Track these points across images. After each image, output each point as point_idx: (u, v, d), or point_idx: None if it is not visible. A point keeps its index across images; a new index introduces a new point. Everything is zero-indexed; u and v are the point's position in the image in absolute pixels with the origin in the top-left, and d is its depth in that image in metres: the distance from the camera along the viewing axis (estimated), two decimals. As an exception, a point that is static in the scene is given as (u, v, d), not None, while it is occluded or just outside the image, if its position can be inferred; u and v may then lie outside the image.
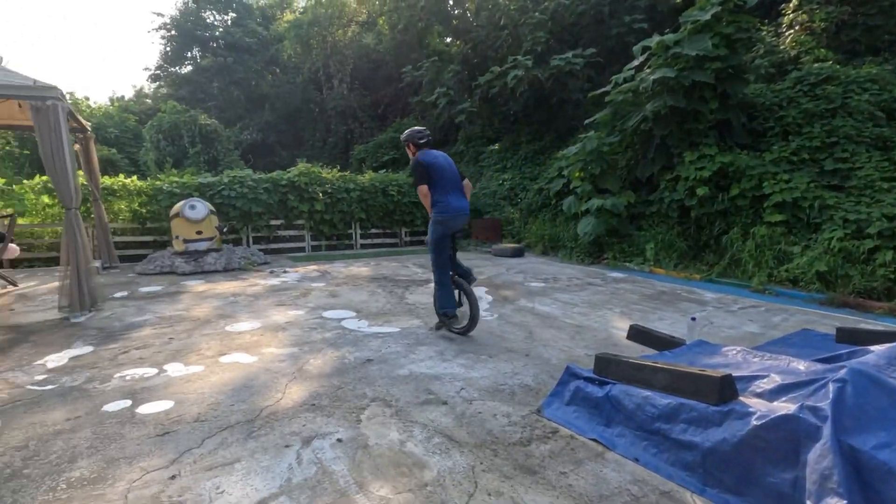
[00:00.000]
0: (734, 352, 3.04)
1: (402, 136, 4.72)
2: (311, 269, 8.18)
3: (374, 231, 11.53)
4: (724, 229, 7.86)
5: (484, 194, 13.65)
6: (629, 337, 4.11)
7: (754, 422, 2.02)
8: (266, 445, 2.50)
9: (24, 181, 9.18)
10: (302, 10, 25.10)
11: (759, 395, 2.22)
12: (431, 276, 4.67)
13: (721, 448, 2.10)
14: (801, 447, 1.86)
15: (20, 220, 8.07)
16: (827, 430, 1.80)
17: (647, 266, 8.23)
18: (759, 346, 3.64)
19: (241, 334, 4.42)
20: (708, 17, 8.07)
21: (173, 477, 2.23)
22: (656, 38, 8.62)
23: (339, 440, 2.55)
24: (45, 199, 8.71)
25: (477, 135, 16.43)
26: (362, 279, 7.20)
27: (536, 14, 12.85)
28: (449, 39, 19.65)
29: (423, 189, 4.42)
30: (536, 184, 12.40)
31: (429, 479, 2.22)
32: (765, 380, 2.27)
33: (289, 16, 25.66)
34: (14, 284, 6.61)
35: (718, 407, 2.19)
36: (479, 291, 6.33)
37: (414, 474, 2.25)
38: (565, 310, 5.34)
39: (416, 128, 4.72)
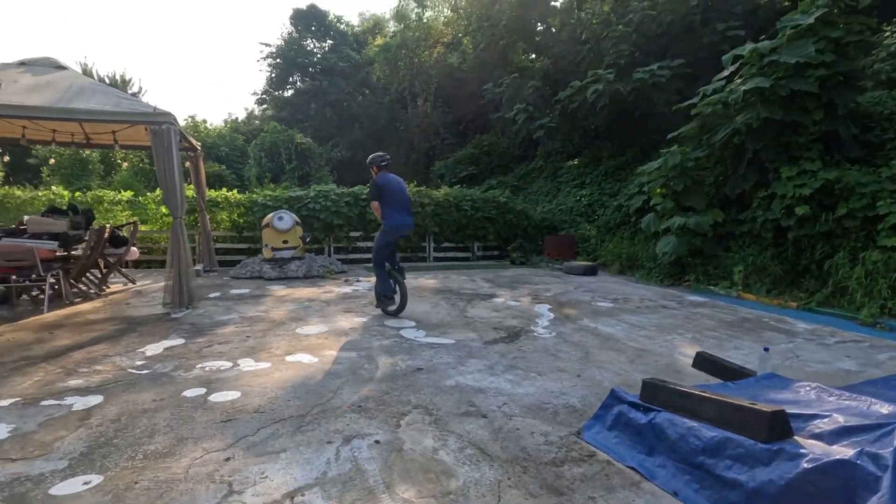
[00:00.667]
0: (808, 388, 2.76)
1: (368, 160, 5.79)
2: (383, 279, 8.55)
3: (446, 245, 11.76)
4: (828, 253, 7.03)
5: (560, 210, 13.41)
6: (694, 364, 3.85)
7: (805, 464, 1.83)
8: (310, 440, 2.69)
9: (148, 193, 10.61)
10: (392, 34, 26.53)
11: (816, 437, 2.00)
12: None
13: (767, 490, 1.92)
14: (857, 497, 1.66)
15: (142, 227, 9.34)
16: (887, 480, 1.59)
17: (734, 290, 7.58)
18: (849, 386, 3.23)
19: (308, 336, 4.76)
20: (811, 20, 7.37)
21: (227, 459, 2.48)
22: (749, 46, 8.02)
23: (377, 442, 2.68)
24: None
25: (556, 150, 16.22)
26: (428, 291, 7.40)
27: (620, 27, 12.50)
28: (533, 56, 19.70)
29: (375, 204, 5.58)
30: (616, 200, 11.96)
31: (454, 487, 2.26)
32: (826, 420, 2.04)
33: (379, 40, 27.24)
34: (133, 282, 7.65)
35: (767, 445, 2.01)
36: (540, 309, 6.24)
37: (440, 481, 2.30)
38: (630, 332, 5.10)
39: (378, 153, 5.81)
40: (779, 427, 2.03)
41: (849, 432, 1.91)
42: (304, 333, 4.88)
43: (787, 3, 11.14)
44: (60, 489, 2.21)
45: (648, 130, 12.45)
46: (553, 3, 17.54)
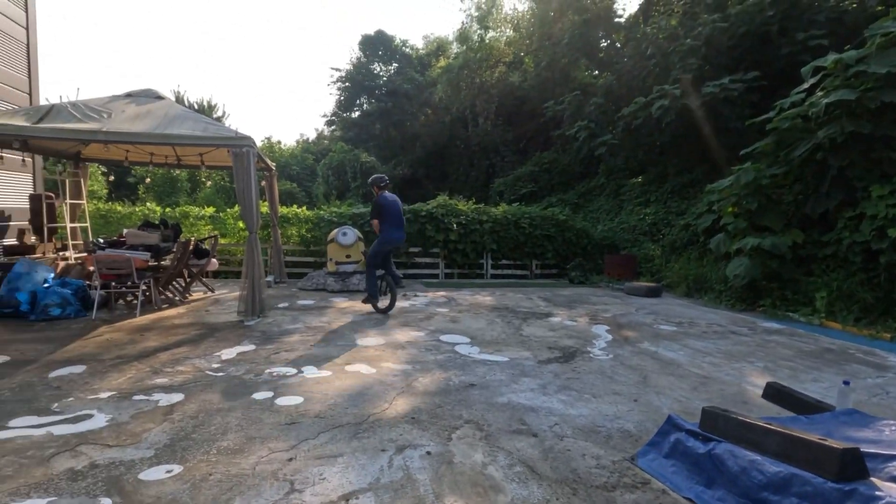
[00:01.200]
0: (893, 427, 2.53)
1: (369, 180, 6.93)
2: (440, 294, 8.70)
3: (504, 262, 11.76)
4: (929, 280, 6.35)
5: (622, 229, 13.02)
6: (765, 395, 3.62)
7: (881, 508, 1.70)
8: (366, 447, 2.82)
9: (227, 209, 11.51)
10: (454, 55, 27.21)
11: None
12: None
13: (837, 533, 1.80)
14: (940, 549, 1.52)
15: (222, 240, 10.13)
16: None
17: (816, 318, 7.01)
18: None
19: (367, 348, 4.96)
20: (905, 26, 6.81)
21: (290, 459, 2.66)
22: (832, 57, 7.51)
23: (428, 453, 2.76)
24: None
25: (619, 167, 15.81)
26: (484, 308, 7.44)
27: (688, 41, 12.09)
28: (595, 73, 19.48)
29: (375, 222, 6.64)
30: (683, 219, 11.45)
31: (501, 503, 2.29)
32: (908, 461, 1.88)
33: (442, 62, 28.02)
34: (212, 291, 8.30)
35: (839, 485, 1.88)
36: (598, 329, 6.10)
37: (488, 496, 2.34)
38: (694, 358, 4.86)
39: (379, 175, 6.94)
40: (852, 466, 1.89)
41: (934, 477, 1.75)
42: (363, 345, 5.09)
43: (879, 9, 10.32)
44: (147, 475, 2.47)
45: (719, 147, 11.86)
46: (617, 20, 17.31)
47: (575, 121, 15.94)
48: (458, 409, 3.42)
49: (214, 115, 26.86)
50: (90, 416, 3.17)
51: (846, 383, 3.20)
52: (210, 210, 11.67)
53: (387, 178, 6.94)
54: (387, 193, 6.67)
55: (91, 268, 6.64)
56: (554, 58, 17.85)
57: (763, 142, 8.74)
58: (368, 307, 6.96)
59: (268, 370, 4.18)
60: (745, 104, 11.01)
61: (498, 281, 11.23)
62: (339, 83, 30.11)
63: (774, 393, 3.56)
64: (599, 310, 7.53)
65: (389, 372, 4.21)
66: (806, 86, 8.22)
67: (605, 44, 17.83)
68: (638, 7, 18.42)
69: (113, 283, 6.42)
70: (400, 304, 7.64)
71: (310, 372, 4.15)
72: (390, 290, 6.73)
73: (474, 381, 4.02)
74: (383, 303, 6.85)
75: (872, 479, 1.88)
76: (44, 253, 7.61)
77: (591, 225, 13.59)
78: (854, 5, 11.47)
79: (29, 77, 8.33)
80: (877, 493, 1.75)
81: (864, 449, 2.13)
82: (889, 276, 6.84)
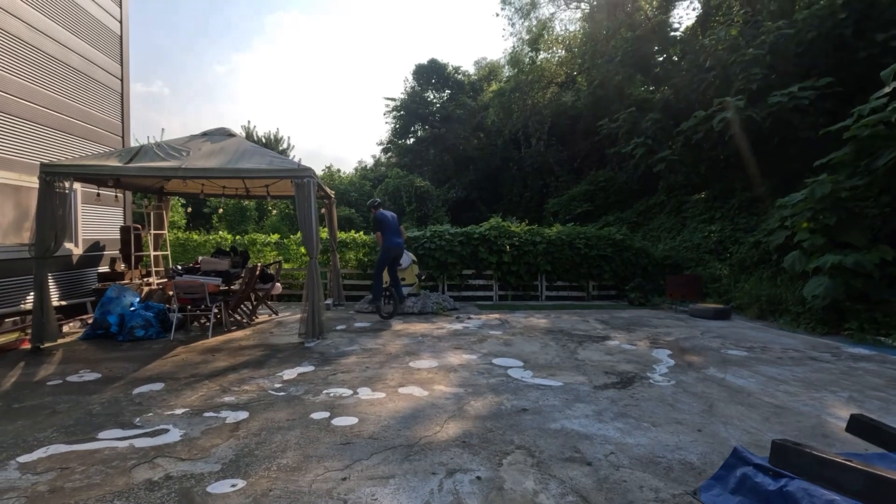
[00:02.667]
0: None
1: (368, 203, 8.63)
2: (494, 317, 8.66)
3: (559, 283, 11.52)
4: None
5: (684, 247, 12.43)
6: (848, 429, 3.31)
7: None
8: (417, 469, 2.85)
9: (291, 236, 12.16)
10: (506, 79, 27.53)
11: None
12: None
13: (933, 587, 1.61)
14: None
15: (285, 266, 10.68)
16: None
17: (913, 343, 6.31)
18: None
19: (420, 370, 5.02)
20: None
21: (344, 479, 2.74)
22: (916, 57, 6.91)
23: (479, 478, 2.75)
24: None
25: (679, 184, 15.19)
26: (538, 331, 7.32)
27: (750, 50, 11.56)
28: (651, 88, 19.00)
29: (378, 234, 8.05)
30: (752, 236, 10.77)
31: (552, 533, 2.23)
32: None
33: (494, 86, 28.41)
34: (276, 314, 8.74)
35: (932, 531, 1.68)
36: (658, 354, 5.82)
37: (539, 526, 2.29)
38: (766, 386, 4.52)
39: (373, 199, 9.29)
40: (947, 511, 1.70)
41: None
42: (416, 367, 5.16)
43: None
44: (214, 488, 2.64)
45: (789, 158, 11.15)
46: (672, 34, 16.88)
47: (631, 137, 15.55)
48: (509, 434, 3.38)
49: (280, 148, 28.62)
50: (166, 430, 3.43)
51: (946, 418, 2.87)
52: (275, 237, 12.37)
53: (379, 199, 8.71)
54: (383, 211, 8.23)
55: (170, 292, 7.23)
56: (607, 75, 17.61)
57: (840, 151, 8.13)
58: (422, 328, 7.06)
59: (325, 391, 4.34)
60: (818, 112, 10.32)
61: (553, 303, 11.01)
62: (394, 112, 31.25)
63: (860, 426, 3.25)
64: (661, 333, 7.19)
65: (441, 395, 4.24)
66: (888, 90, 7.60)
67: (661, 58, 17.38)
68: (695, 19, 17.90)
69: (188, 307, 6.94)
70: (453, 326, 7.69)
71: (364, 393, 4.27)
72: (392, 298, 8.34)
73: (527, 405, 3.96)
74: (386, 309, 8.33)
75: (974, 527, 1.67)
76: (131, 279, 8.39)
77: (651, 244, 13.07)
78: (942, 0, 10.54)
79: (122, 122, 9.35)
80: (978, 543, 1.56)
81: (965, 493, 1.91)
82: None
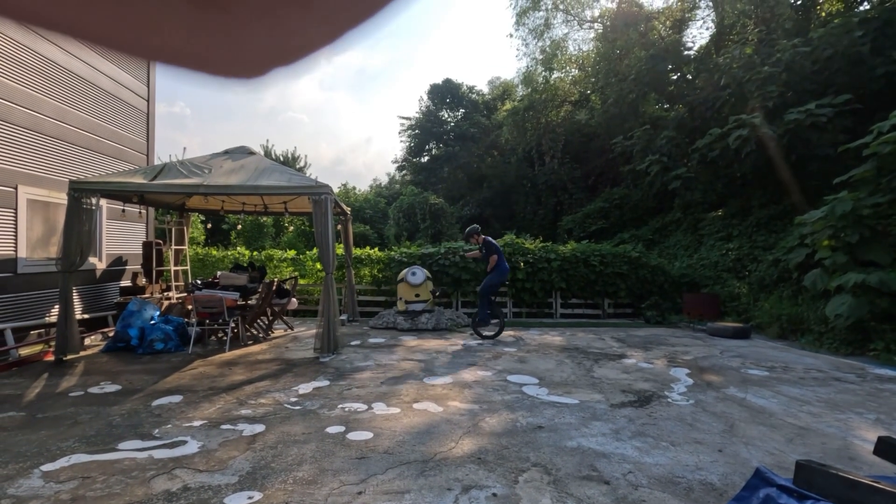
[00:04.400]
0: None
1: (469, 230, 8.34)
2: (508, 334, 8.61)
3: (574, 301, 11.44)
4: None
5: (702, 265, 12.27)
6: (876, 452, 3.21)
7: None
8: (432, 485, 2.84)
9: (307, 252, 12.31)
10: (520, 98, 27.81)
11: None
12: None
13: None
14: None
15: (301, 281, 10.80)
16: None
17: (943, 365, 6.11)
18: None
19: (434, 387, 5.01)
20: None
21: (359, 493, 2.74)
22: (937, 74, 6.85)
23: (494, 495, 2.73)
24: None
25: (696, 201, 15.06)
26: (553, 348, 7.26)
27: (766, 68, 11.55)
28: (666, 106, 19.04)
29: (494, 258, 7.96)
30: (772, 254, 10.59)
31: (570, 552, 2.20)
32: None
33: (508, 105, 28.70)
34: (292, 329, 8.82)
35: (966, 557, 1.63)
36: (677, 373, 5.72)
37: (556, 544, 2.26)
38: (789, 406, 4.41)
39: (474, 225, 8.45)
40: (982, 535, 1.64)
41: None
42: (430, 383, 5.15)
43: None
44: (231, 500, 2.66)
45: (808, 176, 11.01)
46: (686, 52, 16.97)
47: (645, 155, 15.53)
48: (525, 451, 3.35)
49: (297, 166, 29.16)
50: (184, 442, 3.47)
51: (979, 441, 2.77)
52: (291, 253, 12.54)
53: (479, 226, 8.58)
54: (488, 237, 8.29)
55: (189, 306, 7.36)
56: (621, 94, 17.70)
57: (861, 168, 8.02)
58: (436, 344, 7.05)
59: (340, 405, 4.35)
60: (837, 129, 10.21)
61: (567, 320, 10.92)
62: (409, 131, 31.72)
63: (888, 449, 3.15)
64: (679, 351, 7.08)
65: (456, 411, 4.22)
66: (907, 106, 7.51)
67: (675, 77, 17.45)
68: (709, 38, 17.98)
69: (207, 321, 7.05)
70: (468, 342, 7.67)
71: (379, 408, 4.27)
72: (499, 318, 8.10)
73: (542, 423, 3.92)
74: (489, 331, 8.17)
75: None
76: (151, 293, 8.56)
77: (668, 262, 12.93)
78: (961, 17, 10.46)
79: (147, 141, 9.66)
80: None
81: None
82: None
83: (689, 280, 11.75)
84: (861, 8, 13.41)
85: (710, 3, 17.95)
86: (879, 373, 5.92)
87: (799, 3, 15.07)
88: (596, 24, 21.73)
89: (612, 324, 10.45)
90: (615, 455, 3.29)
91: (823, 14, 14.52)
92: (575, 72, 24.45)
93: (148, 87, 9.71)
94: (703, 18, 19.23)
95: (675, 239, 14.93)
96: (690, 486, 2.86)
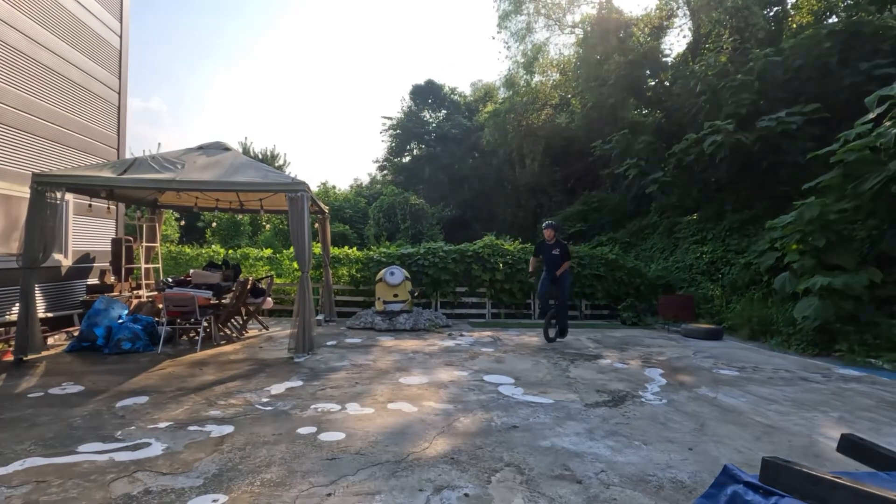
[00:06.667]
0: None
1: (554, 224, 8.09)
2: (486, 334, 8.61)
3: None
4: None
5: (677, 268, 12.51)
6: (839, 449, 3.26)
7: (974, 580, 1.48)
8: (404, 485, 2.80)
9: (284, 251, 12.12)
10: (501, 100, 27.96)
11: None
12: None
13: None
14: None
15: (277, 280, 10.61)
16: None
17: (903, 365, 6.33)
18: None
19: (410, 387, 4.96)
20: (980, 51, 6.38)
21: (329, 495, 2.68)
22: (899, 85, 7.12)
23: (466, 495, 2.70)
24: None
25: (672, 205, 15.35)
26: (530, 348, 7.28)
27: (739, 76, 11.85)
28: (645, 111, 19.37)
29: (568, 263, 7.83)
30: (744, 258, 10.86)
31: (540, 552, 2.18)
32: None
33: (489, 107, 28.82)
34: (266, 329, 8.65)
35: (922, 550, 1.66)
36: (651, 373, 5.80)
37: (527, 544, 2.24)
38: (758, 405, 4.50)
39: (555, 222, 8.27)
40: (937, 529, 1.68)
41: None
42: (406, 383, 5.10)
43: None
44: (195, 503, 2.56)
45: (779, 182, 11.32)
46: (664, 59, 17.30)
47: (624, 159, 15.76)
48: (499, 450, 3.33)
49: (276, 164, 28.74)
50: (149, 444, 3.35)
51: (935, 437, 2.86)
52: (268, 252, 12.33)
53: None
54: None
55: (160, 305, 7.15)
56: (600, 98, 17.95)
57: (828, 175, 8.27)
58: (414, 344, 7.01)
59: (313, 406, 4.27)
60: (806, 137, 10.52)
61: (546, 321, 10.97)
62: (390, 131, 31.59)
63: (851, 446, 3.21)
64: (653, 352, 7.18)
65: (431, 411, 4.18)
66: (872, 116, 7.80)
67: (653, 83, 17.77)
68: (686, 46, 18.38)
69: (178, 320, 6.86)
70: (445, 343, 7.64)
71: (353, 409, 4.21)
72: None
73: (517, 422, 3.91)
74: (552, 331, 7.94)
75: (963, 545, 1.65)
76: (120, 291, 8.29)
77: (644, 264, 13.15)
78: (923, 32, 10.90)
79: (118, 135, 9.37)
80: (968, 561, 1.54)
81: (954, 511, 1.89)
82: None
83: (664, 282, 11.96)
84: (830, 20, 13.88)
85: (687, 12, 18.35)
86: (843, 373, 6.10)
87: (772, 14, 15.53)
88: (577, 30, 21.98)
89: (589, 324, 10.56)
90: (588, 454, 3.30)
91: (795, 25, 14.98)
92: (556, 76, 24.68)
93: (119, 79, 9.42)
94: (680, 27, 19.66)
95: (652, 242, 15.18)
96: (661, 484, 2.88)
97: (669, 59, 17.79)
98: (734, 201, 12.78)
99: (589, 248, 12.42)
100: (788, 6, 15.75)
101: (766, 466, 2.52)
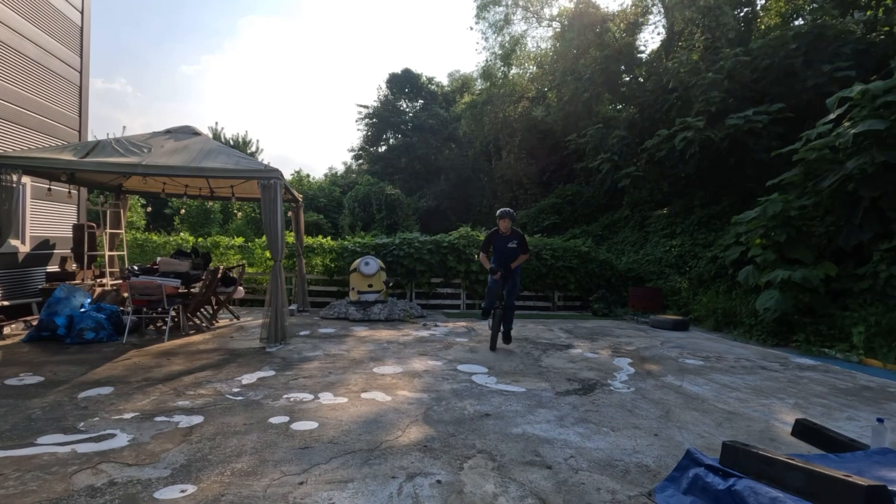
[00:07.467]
0: (931, 468, 2.39)
1: (512, 213, 6.53)
2: (460, 325, 8.67)
3: (525, 293, 11.65)
4: (976, 316, 6.01)
5: (647, 261, 12.81)
6: (794, 433, 3.48)
7: (909, 550, 1.60)
8: (377, 473, 2.81)
9: (256, 240, 11.88)
10: (478, 91, 27.92)
11: (927, 520, 1.73)
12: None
13: (865, 577, 1.69)
14: None
15: (249, 270, 10.41)
16: None
17: (854, 354, 6.68)
18: None
19: (384, 376, 4.97)
20: (932, 57, 6.71)
21: (301, 483, 2.67)
22: (858, 87, 7.43)
23: (439, 482, 2.73)
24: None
25: (643, 199, 15.70)
26: (504, 339, 7.36)
27: (710, 74, 12.14)
28: (619, 106, 19.66)
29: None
30: (710, 251, 11.21)
31: (510, 535, 2.23)
32: (939, 502, 1.77)
33: (467, 98, 28.75)
34: (237, 318, 8.49)
35: (865, 524, 1.78)
36: (620, 362, 5.96)
37: (497, 527, 2.29)
38: (720, 393, 4.69)
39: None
40: (878, 504, 1.79)
41: (968, 518, 1.64)
42: (380, 373, 5.10)
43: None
44: (162, 494, 2.52)
45: (745, 178, 11.70)
46: (639, 55, 17.56)
47: (598, 153, 16.00)
48: (471, 438, 3.38)
49: (249, 151, 28.04)
50: (113, 435, 3.26)
51: (880, 421, 3.05)
52: (239, 240, 12.05)
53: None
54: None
55: (125, 294, 6.93)
56: (576, 92, 18.12)
57: (790, 173, 8.60)
58: (388, 334, 6.99)
59: (285, 395, 4.23)
60: (771, 136, 10.89)
61: (519, 312, 11.10)
62: (366, 119, 31.19)
63: (804, 430, 3.41)
64: (623, 342, 7.37)
65: (405, 400, 4.20)
66: (832, 116, 8.12)
67: (628, 78, 18.03)
68: (660, 43, 18.70)
69: (144, 309, 6.66)
70: (419, 333, 7.65)
71: (326, 398, 4.19)
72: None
73: (489, 410, 3.97)
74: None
75: (902, 519, 1.77)
76: (83, 279, 7.99)
77: (616, 257, 13.42)
78: (881, 37, 11.38)
79: (79, 116, 8.96)
80: (905, 534, 1.65)
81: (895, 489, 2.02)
82: (932, 312, 6.51)
83: (634, 274, 12.25)
84: (797, 22, 14.34)
85: (662, 10, 18.65)
86: (800, 362, 6.40)
87: (742, 14, 15.92)
88: (554, 23, 22.08)
89: (562, 315, 10.74)
90: (558, 441, 3.38)
91: (763, 26, 15.42)
92: (533, 69, 24.77)
93: (81, 57, 8.99)
94: (655, 24, 19.98)
95: (623, 235, 15.50)
96: (627, 468, 2.98)
97: (644, 56, 18.06)
98: (703, 196, 13.15)
99: (563, 241, 12.59)
100: (758, 7, 16.19)
101: (726, 450, 2.64)
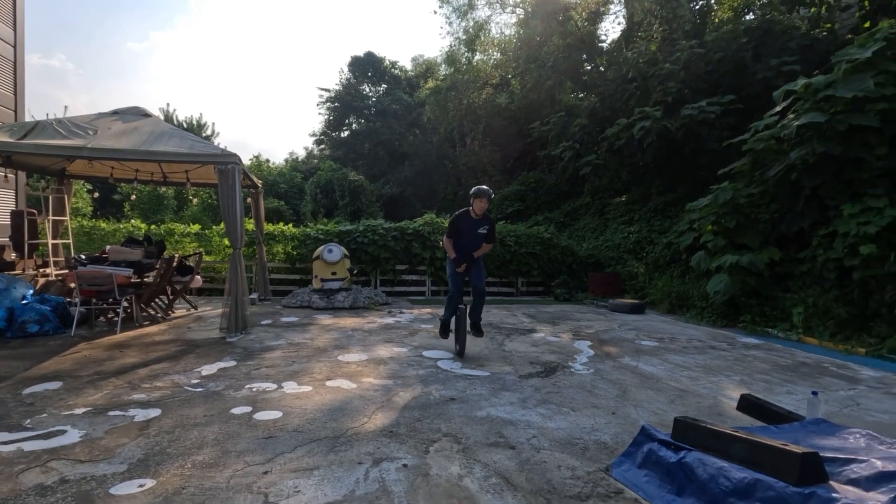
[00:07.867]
0: (857, 436, 2.61)
1: (490, 193, 5.35)
2: (426, 311, 8.71)
3: (490, 279, 11.80)
4: (900, 296, 6.52)
5: (606, 247, 13.20)
6: (739, 408, 3.71)
7: (837, 510, 1.75)
8: (343, 460, 2.82)
9: (213, 227, 11.47)
10: (442, 77, 27.71)
11: (853, 482, 1.91)
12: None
13: (798, 536, 1.84)
14: (890, 547, 1.57)
15: (206, 258, 10.06)
16: (920, 529, 1.51)
17: (794, 333, 7.15)
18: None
19: (349, 364, 4.95)
20: (868, 54, 7.15)
21: (265, 473, 2.64)
22: (801, 81, 7.83)
23: (405, 465, 2.77)
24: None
25: (603, 187, 16.11)
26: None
27: (667, 65, 12.51)
28: (581, 95, 19.97)
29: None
30: (666, 237, 11.66)
31: (475, 514, 2.30)
32: (863, 465, 1.94)
33: (431, 83, 28.48)
34: (195, 308, 8.22)
35: (799, 489, 1.93)
36: (580, 345, 6.16)
37: (462, 507, 2.35)
38: (673, 372, 4.93)
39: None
40: (811, 470, 1.95)
41: (887, 478, 1.81)
42: (345, 361, 5.08)
43: (849, 37, 10.81)
44: (119, 489, 2.44)
45: (699, 167, 12.19)
46: (600, 45, 17.84)
47: (560, 141, 16.25)
48: (436, 422, 3.43)
49: (203, 134, 26.88)
50: (63, 431, 3.13)
51: (814, 394, 3.29)
52: (195, 227, 11.62)
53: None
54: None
55: (72, 284, 6.57)
56: (539, 80, 18.28)
57: (739, 162, 9.01)
58: (352, 322, 6.95)
59: (248, 385, 4.15)
60: (723, 126, 11.36)
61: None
62: (328, 103, 30.44)
63: (748, 405, 3.64)
64: (583, 326, 7.60)
65: (370, 387, 4.21)
66: (778, 109, 8.53)
67: (589, 67, 18.33)
68: (620, 33, 19.04)
69: (93, 300, 6.35)
70: (384, 320, 7.64)
71: (290, 387, 4.14)
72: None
73: (454, 395, 4.03)
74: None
75: (831, 482, 1.93)
76: (23, 269, 7.52)
77: (577, 243, 13.76)
78: (824, 33, 12.01)
79: (15, 94, 8.34)
80: (833, 495, 1.81)
81: (826, 454, 2.20)
82: (863, 293, 7.02)
83: (594, 260, 12.61)
84: (748, 17, 14.91)
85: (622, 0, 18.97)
86: (746, 341, 6.80)
87: (697, 7, 16.40)
88: (518, 10, 22.10)
89: (525, 301, 10.96)
90: (521, 422, 3.47)
91: (717, 20, 15.95)
92: (497, 55, 24.76)
93: (14, 30, 8.34)
94: (615, 13, 20.31)
95: (584, 222, 15.89)
96: (586, 445, 3.11)
97: (605, 45, 18.38)
98: (659, 185, 13.62)
99: (526, 228, 12.79)
100: (712, 1, 16.71)
101: (677, 425, 2.80)
